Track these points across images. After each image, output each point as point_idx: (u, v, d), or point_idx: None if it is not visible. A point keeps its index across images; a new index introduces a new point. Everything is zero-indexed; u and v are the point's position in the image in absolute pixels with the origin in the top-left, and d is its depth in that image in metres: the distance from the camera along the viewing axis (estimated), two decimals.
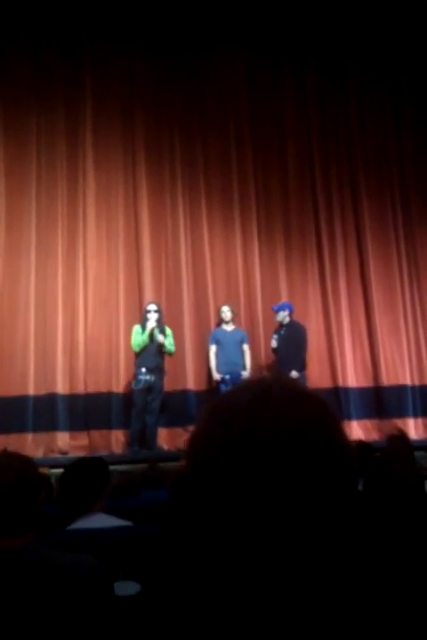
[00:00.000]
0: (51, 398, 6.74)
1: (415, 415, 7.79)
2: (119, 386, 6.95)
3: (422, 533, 1.60)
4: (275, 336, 6.97)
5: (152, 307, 6.56)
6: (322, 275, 8.06)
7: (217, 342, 6.91)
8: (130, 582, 1.52)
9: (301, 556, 0.60)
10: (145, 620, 0.66)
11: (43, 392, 6.73)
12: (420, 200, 8.58)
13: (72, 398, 6.84)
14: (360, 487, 2.13)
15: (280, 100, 8.33)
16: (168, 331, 6.63)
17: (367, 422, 7.68)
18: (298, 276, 7.99)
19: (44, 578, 1.35)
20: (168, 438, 6.91)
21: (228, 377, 6.61)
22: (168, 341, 6.54)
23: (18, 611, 1.30)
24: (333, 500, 0.61)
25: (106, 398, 6.90)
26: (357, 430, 7.45)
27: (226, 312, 7.00)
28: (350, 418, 7.53)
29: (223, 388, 6.53)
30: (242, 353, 6.91)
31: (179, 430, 6.89)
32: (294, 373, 6.65)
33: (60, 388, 6.80)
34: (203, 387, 7.20)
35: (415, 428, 7.69)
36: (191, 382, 7.21)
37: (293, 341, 6.86)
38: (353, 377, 7.83)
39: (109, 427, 6.82)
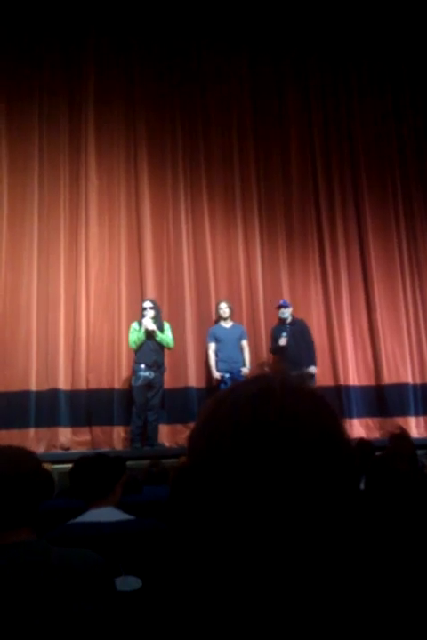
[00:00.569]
0: (53, 394, 6.74)
1: (417, 414, 7.77)
2: (121, 382, 6.96)
3: (424, 531, 1.59)
4: (284, 334, 6.85)
5: (148, 303, 6.55)
6: (324, 272, 8.05)
7: (216, 340, 6.85)
8: (131, 577, 1.52)
9: (302, 551, 0.60)
10: (146, 615, 0.66)
11: (45, 388, 6.74)
12: (422, 198, 8.56)
13: (74, 394, 6.85)
14: (362, 485, 2.13)
15: (282, 96, 8.32)
16: (167, 325, 6.62)
17: (369, 420, 7.68)
18: (300, 274, 7.98)
19: (45, 573, 1.35)
20: (170, 435, 6.91)
21: (227, 376, 6.58)
22: (166, 335, 6.53)
23: (19, 606, 1.30)
24: (333, 494, 0.61)
25: (108, 394, 6.90)
26: (358, 428, 7.44)
27: (224, 309, 6.93)
28: (351, 416, 7.52)
29: (223, 387, 6.50)
30: (241, 349, 6.88)
31: (180, 427, 6.90)
32: (312, 369, 6.66)
33: (63, 383, 6.81)
34: (204, 383, 7.20)
35: (417, 426, 7.67)
36: (193, 379, 7.20)
37: (304, 338, 6.84)
38: (355, 375, 7.81)
39: (111, 423, 6.82)
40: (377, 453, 4.87)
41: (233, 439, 0.62)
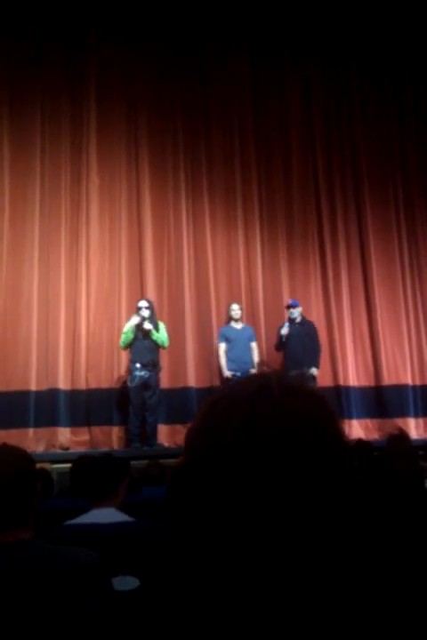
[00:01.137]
0: (52, 394, 6.74)
1: (416, 415, 7.78)
2: (121, 382, 6.95)
3: (422, 532, 1.60)
4: (286, 324, 6.86)
5: (143, 303, 6.53)
6: (324, 273, 8.06)
7: (227, 340, 6.92)
8: (129, 577, 1.52)
9: (300, 550, 0.60)
10: (143, 614, 0.66)
11: (44, 387, 6.73)
12: (423, 200, 8.57)
13: (73, 394, 6.85)
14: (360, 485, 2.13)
15: (284, 98, 8.32)
16: (161, 325, 6.61)
17: (368, 421, 7.68)
18: (300, 275, 7.98)
19: (43, 572, 1.35)
20: (169, 435, 6.91)
21: (238, 374, 6.61)
22: (161, 334, 6.52)
23: (18, 605, 1.30)
24: (330, 494, 0.62)
25: (107, 394, 6.90)
26: (357, 429, 7.45)
27: (236, 310, 7.05)
28: (350, 417, 7.53)
29: None
30: (250, 350, 6.93)
31: (180, 427, 6.89)
32: (314, 370, 6.69)
33: (62, 383, 6.81)
34: (204, 384, 7.19)
35: (416, 427, 7.68)
36: (192, 379, 7.21)
37: (311, 339, 6.85)
38: (354, 376, 7.82)
39: (110, 423, 6.83)
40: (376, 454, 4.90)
41: (231, 437, 0.62)
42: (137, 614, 0.67)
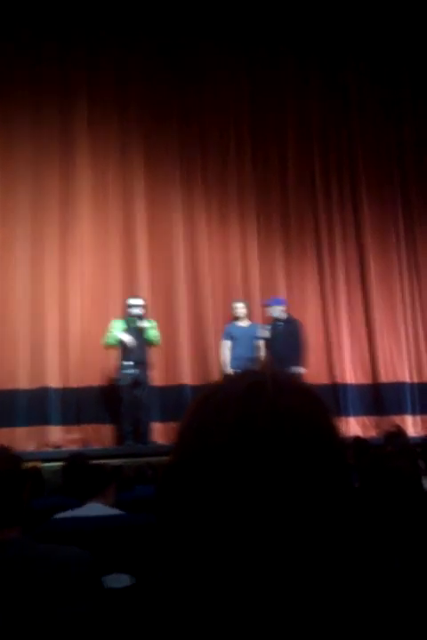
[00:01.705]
0: (44, 392, 6.69)
1: (414, 412, 7.82)
2: (112, 380, 6.88)
3: (419, 529, 1.61)
4: (268, 328, 6.80)
5: (134, 301, 6.46)
6: (321, 270, 8.04)
7: (232, 338, 6.86)
8: (122, 575, 1.48)
9: (294, 549, 0.59)
10: (135, 613, 0.65)
11: (35, 386, 6.67)
12: (421, 197, 8.59)
13: (65, 392, 6.80)
14: (357, 483, 2.09)
15: (281, 95, 8.25)
16: (152, 323, 6.54)
17: (365, 419, 7.71)
18: (296, 272, 7.96)
19: (31, 571, 1.35)
20: (163, 433, 6.85)
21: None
22: (152, 332, 6.43)
23: (6, 604, 1.30)
24: (325, 492, 0.61)
25: (99, 392, 6.85)
26: (354, 427, 7.47)
27: (240, 309, 6.96)
28: (347, 414, 7.57)
29: None
30: (255, 348, 6.85)
31: (175, 425, 6.80)
32: (298, 369, 6.54)
33: (54, 381, 6.75)
34: (199, 381, 7.14)
35: (414, 425, 7.72)
36: (187, 377, 7.17)
37: (294, 337, 6.76)
38: (351, 373, 7.84)
39: (103, 421, 6.78)
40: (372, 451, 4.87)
41: (224, 435, 0.61)
42: (129, 613, 0.66)
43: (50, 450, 6.40)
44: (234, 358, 6.74)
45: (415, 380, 7.98)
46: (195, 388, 7.06)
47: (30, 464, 3.80)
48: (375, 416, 7.69)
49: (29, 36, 7.35)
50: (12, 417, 6.48)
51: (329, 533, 0.61)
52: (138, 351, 6.33)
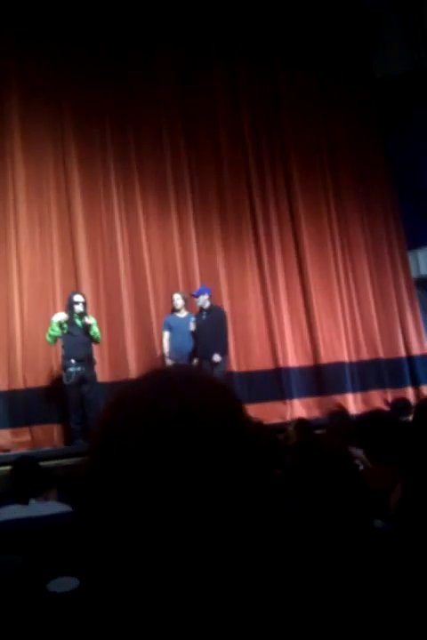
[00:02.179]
0: None
1: (354, 390, 8.02)
2: (58, 379, 6.81)
3: (348, 504, 1.65)
4: (193, 319, 6.92)
5: (78, 297, 6.39)
6: (259, 258, 8.15)
7: (170, 329, 6.94)
8: (68, 578, 1.49)
9: (210, 542, 0.60)
10: (80, 617, 0.65)
11: None
12: (351, 183, 8.80)
13: (11, 394, 6.68)
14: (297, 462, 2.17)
15: (212, 86, 8.32)
16: (92, 319, 6.49)
17: (309, 400, 7.84)
18: (235, 261, 8.05)
19: None
20: None
21: (180, 362, 6.59)
22: (94, 329, 6.38)
23: None
24: (237, 483, 0.62)
25: (46, 392, 6.76)
26: (299, 408, 7.61)
27: (177, 300, 7.04)
28: (292, 397, 7.69)
29: None
30: (192, 339, 6.91)
31: None
32: (216, 357, 6.67)
33: None
34: None
35: (354, 402, 7.91)
36: (134, 371, 7.14)
37: (215, 326, 6.87)
38: (293, 357, 7.97)
39: (51, 421, 6.69)
40: (318, 431, 5.03)
41: (137, 434, 0.62)
42: (74, 617, 0.66)
43: None
44: (173, 349, 6.84)
45: (354, 358, 8.20)
46: None
47: None
48: (318, 396, 7.85)
49: None
50: None
51: (242, 519, 0.62)
52: (82, 348, 6.28)
